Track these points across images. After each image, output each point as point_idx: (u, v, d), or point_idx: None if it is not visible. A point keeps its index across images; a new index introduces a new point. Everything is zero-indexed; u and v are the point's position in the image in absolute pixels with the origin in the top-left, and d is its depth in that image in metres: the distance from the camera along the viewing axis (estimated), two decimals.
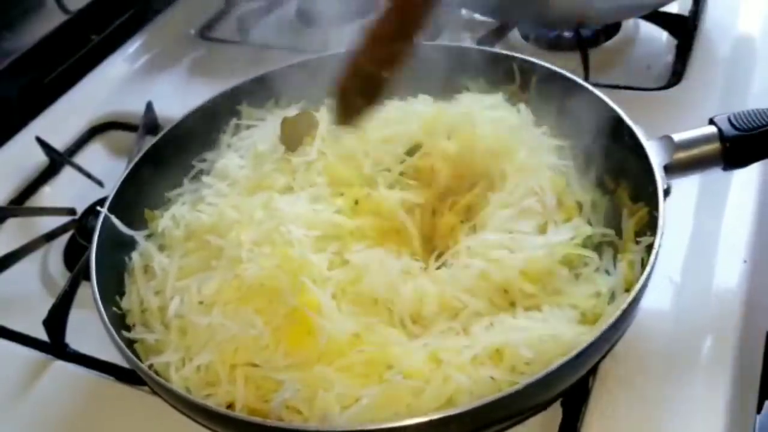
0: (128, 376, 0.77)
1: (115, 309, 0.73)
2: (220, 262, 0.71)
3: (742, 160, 0.75)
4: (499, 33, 1.17)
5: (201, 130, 0.89)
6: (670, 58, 1.12)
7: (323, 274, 0.68)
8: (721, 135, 0.74)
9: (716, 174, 0.77)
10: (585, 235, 0.72)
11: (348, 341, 0.64)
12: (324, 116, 0.82)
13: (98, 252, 0.74)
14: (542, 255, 0.69)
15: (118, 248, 0.78)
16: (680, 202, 0.82)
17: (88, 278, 0.72)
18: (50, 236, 0.96)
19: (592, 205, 0.78)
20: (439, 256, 0.73)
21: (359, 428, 0.60)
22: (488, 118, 0.80)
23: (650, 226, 0.71)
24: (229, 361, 0.66)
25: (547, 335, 0.63)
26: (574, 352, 0.59)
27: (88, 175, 1.06)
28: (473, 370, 0.62)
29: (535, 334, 0.63)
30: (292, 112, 0.87)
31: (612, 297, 0.68)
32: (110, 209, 0.78)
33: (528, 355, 0.62)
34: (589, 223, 0.75)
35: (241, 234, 0.70)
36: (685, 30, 1.14)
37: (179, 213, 0.80)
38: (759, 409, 0.76)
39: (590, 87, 0.82)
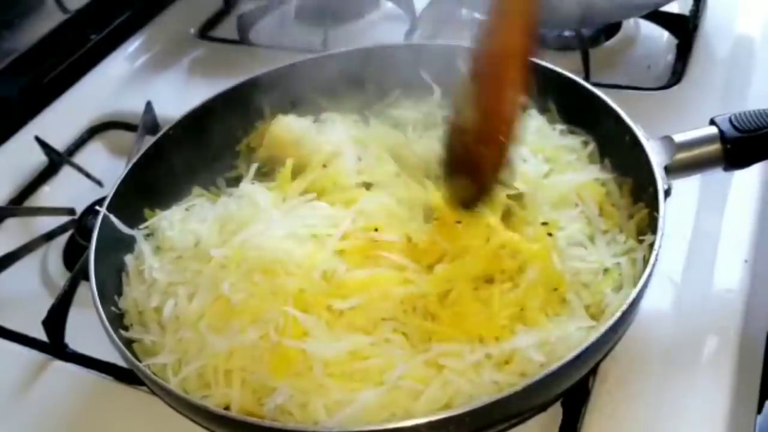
0: (127, 376, 0.77)
1: (114, 309, 0.73)
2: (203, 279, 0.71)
3: (743, 160, 0.75)
4: None
5: (200, 130, 0.89)
6: (670, 58, 1.12)
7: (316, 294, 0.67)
8: (722, 136, 0.73)
9: (717, 174, 0.77)
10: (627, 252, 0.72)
11: (344, 359, 0.63)
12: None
13: (97, 252, 0.74)
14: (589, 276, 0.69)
15: (117, 248, 0.78)
16: (681, 202, 0.82)
17: (87, 278, 0.72)
18: (50, 236, 0.96)
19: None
20: None
21: (358, 429, 0.60)
22: None
23: (651, 226, 0.71)
24: (223, 366, 0.66)
25: (556, 337, 0.63)
26: (573, 353, 0.59)
27: (88, 175, 1.06)
28: (475, 375, 0.62)
29: (545, 337, 0.63)
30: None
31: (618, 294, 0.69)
32: (109, 209, 0.78)
33: (540, 359, 0.62)
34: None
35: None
36: (685, 30, 1.14)
37: (174, 217, 0.80)
38: (759, 409, 0.76)
39: (591, 87, 0.82)
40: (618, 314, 0.61)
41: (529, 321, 0.66)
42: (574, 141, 0.82)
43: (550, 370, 0.57)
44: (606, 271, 0.71)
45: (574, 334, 0.64)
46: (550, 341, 0.63)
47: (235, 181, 0.89)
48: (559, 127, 0.84)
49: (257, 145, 0.89)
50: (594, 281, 0.70)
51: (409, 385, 0.61)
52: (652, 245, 0.66)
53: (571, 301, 0.67)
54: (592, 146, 0.81)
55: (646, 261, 0.67)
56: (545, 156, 0.80)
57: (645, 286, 0.63)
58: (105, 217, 0.77)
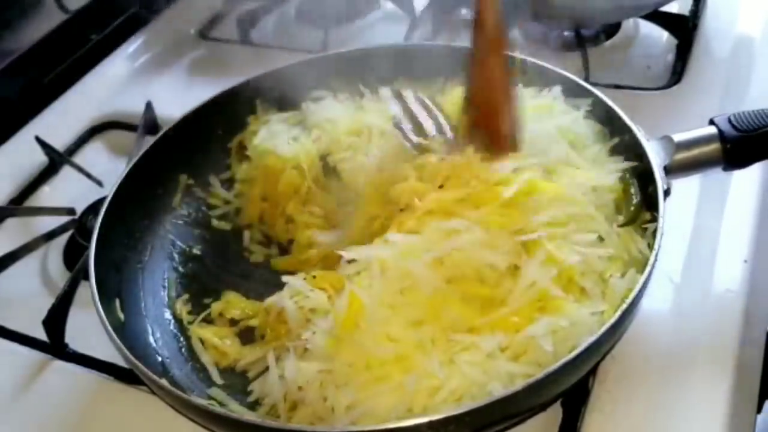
0: (127, 376, 0.77)
1: (112, 308, 0.74)
2: None
3: (743, 160, 0.75)
4: None
5: (200, 130, 0.89)
6: (670, 58, 1.12)
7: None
8: (721, 135, 0.74)
9: (716, 174, 0.77)
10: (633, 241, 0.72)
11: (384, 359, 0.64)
12: None
13: (97, 252, 0.74)
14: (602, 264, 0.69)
15: (117, 248, 0.78)
16: (680, 201, 0.82)
17: (87, 278, 0.72)
18: (50, 236, 0.96)
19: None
20: None
21: (358, 428, 0.60)
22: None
23: (651, 223, 0.71)
24: None
25: (569, 322, 0.63)
26: (575, 352, 0.59)
27: (88, 175, 1.06)
28: (490, 366, 0.62)
29: (556, 323, 0.63)
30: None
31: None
32: (109, 209, 0.78)
33: (548, 348, 0.62)
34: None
35: None
36: (685, 30, 1.14)
37: None
38: (759, 409, 0.76)
39: (590, 87, 0.82)
40: (617, 315, 0.61)
41: (551, 310, 0.65)
42: (600, 130, 0.81)
43: (550, 370, 0.58)
44: (613, 259, 0.70)
45: (588, 320, 0.64)
46: (562, 327, 0.63)
47: (229, 183, 0.89)
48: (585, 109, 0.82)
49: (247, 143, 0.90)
50: (604, 269, 0.69)
51: (428, 383, 0.62)
52: (654, 233, 0.67)
53: (589, 289, 0.67)
54: (617, 140, 0.79)
55: (650, 247, 0.67)
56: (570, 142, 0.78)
57: (644, 287, 0.63)
58: (105, 217, 0.77)
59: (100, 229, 0.76)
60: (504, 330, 0.64)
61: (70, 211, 0.99)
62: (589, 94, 0.81)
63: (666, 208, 0.69)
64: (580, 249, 0.68)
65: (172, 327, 0.80)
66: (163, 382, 0.64)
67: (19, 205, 1.05)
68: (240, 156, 0.90)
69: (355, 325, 0.65)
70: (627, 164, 0.76)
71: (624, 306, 0.62)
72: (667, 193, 0.71)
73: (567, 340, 0.63)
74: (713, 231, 0.83)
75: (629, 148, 0.76)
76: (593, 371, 0.71)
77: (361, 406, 0.62)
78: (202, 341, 0.77)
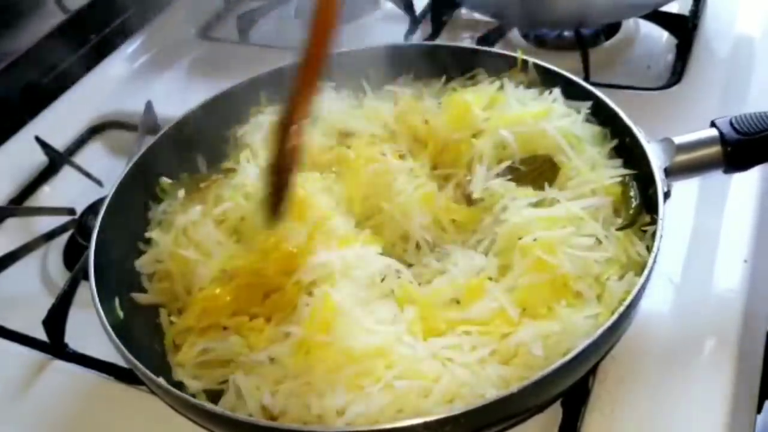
0: (127, 376, 0.77)
1: (112, 308, 0.73)
2: None
3: (744, 163, 0.75)
4: (499, 33, 1.17)
5: (200, 130, 0.89)
6: (670, 57, 1.12)
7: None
8: (722, 138, 0.73)
9: (717, 174, 0.77)
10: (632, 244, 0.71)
11: (362, 354, 0.64)
12: None
13: (97, 252, 0.74)
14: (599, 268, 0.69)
15: (117, 248, 0.78)
16: (680, 202, 0.82)
17: (87, 278, 0.72)
18: (50, 236, 0.96)
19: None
20: None
21: (354, 429, 0.60)
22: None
23: (651, 225, 0.71)
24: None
25: (560, 328, 0.63)
26: (572, 353, 0.59)
27: (88, 175, 1.06)
28: (480, 369, 0.62)
29: (547, 330, 0.63)
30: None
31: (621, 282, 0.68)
32: (109, 209, 0.78)
33: (539, 353, 0.62)
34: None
35: None
36: (685, 30, 1.14)
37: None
38: (759, 409, 0.76)
39: (590, 87, 0.82)
40: (615, 317, 0.61)
41: (535, 317, 0.66)
42: (599, 132, 0.80)
43: (549, 371, 0.57)
44: (611, 261, 0.70)
45: (582, 323, 0.64)
46: (554, 332, 0.63)
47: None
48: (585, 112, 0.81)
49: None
50: (602, 272, 0.69)
51: (418, 383, 0.61)
52: (653, 234, 0.67)
53: (584, 293, 0.67)
54: (615, 141, 0.79)
55: (649, 249, 0.67)
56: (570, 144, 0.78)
57: (643, 287, 0.63)
58: (105, 217, 0.77)
59: (100, 229, 0.76)
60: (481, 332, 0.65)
61: (70, 211, 1.00)
62: (589, 94, 0.81)
63: (666, 210, 0.69)
64: (576, 253, 0.68)
65: None
66: (162, 381, 0.64)
67: (19, 205, 1.05)
68: (236, 145, 0.90)
69: (330, 325, 0.64)
70: (626, 171, 0.75)
71: (621, 309, 0.61)
72: (667, 195, 0.71)
73: (560, 344, 0.63)
74: (713, 231, 0.83)
75: (629, 150, 0.76)
76: (593, 371, 0.71)
77: (350, 408, 0.61)
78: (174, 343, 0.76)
